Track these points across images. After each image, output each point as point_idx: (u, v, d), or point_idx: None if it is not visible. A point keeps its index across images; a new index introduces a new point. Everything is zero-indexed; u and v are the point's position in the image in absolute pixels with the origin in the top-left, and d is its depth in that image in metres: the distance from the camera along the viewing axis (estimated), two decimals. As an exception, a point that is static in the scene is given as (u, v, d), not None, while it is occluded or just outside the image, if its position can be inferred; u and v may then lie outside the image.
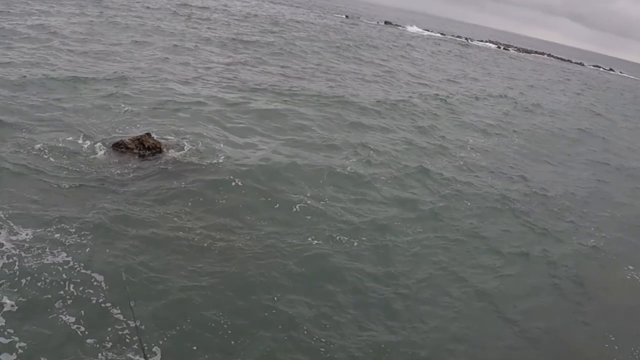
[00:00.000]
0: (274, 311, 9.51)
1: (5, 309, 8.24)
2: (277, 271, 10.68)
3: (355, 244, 12.35)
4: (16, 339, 7.75)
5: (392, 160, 18.41)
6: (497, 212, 16.08)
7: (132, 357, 7.88)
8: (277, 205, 13.35)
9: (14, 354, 7.52)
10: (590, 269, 13.96)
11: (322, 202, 13.98)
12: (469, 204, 16.13)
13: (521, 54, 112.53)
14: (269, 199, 13.57)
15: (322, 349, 8.96)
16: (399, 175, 17.19)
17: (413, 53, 57.57)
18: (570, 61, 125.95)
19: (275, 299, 9.87)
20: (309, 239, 12.11)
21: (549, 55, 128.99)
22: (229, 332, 8.84)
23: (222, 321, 9.03)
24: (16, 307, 8.31)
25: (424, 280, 11.65)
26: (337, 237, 12.40)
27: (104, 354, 7.85)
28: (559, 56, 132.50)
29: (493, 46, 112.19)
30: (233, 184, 13.83)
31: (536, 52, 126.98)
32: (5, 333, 7.82)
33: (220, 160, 15.22)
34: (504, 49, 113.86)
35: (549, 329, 11.01)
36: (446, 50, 73.35)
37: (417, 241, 13.17)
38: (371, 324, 9.89)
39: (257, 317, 9.32)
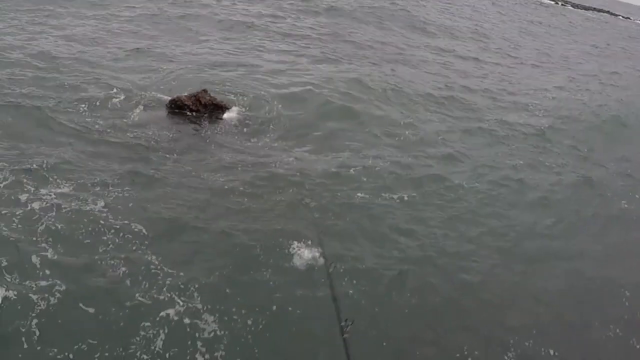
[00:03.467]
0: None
1: (44, 253, 7.94)
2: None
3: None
4: (57, 281, 7.47)
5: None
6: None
7: (173, 300, 7.58)
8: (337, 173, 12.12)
9: (54, 296, 7.25)
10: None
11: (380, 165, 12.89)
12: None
13: (580, 10, 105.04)
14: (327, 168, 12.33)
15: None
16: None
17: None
18: (628, 18, 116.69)
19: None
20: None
21: (609, 13, 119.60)
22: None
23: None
24: (55, 252, 8.01)
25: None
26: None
27: (142, 297, 7.55)
28: (616, 13, 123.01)
29: (550, 2, 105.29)
30: (289, 152, 12.74)
31: (594, 9, 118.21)
32: (46, 275, 7.56)
33: (277, 125, 14.11)
34: (562, 5, 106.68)
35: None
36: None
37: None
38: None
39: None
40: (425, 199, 11.69)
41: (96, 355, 6.60)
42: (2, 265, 7.58)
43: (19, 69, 14.73)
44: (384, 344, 7.66)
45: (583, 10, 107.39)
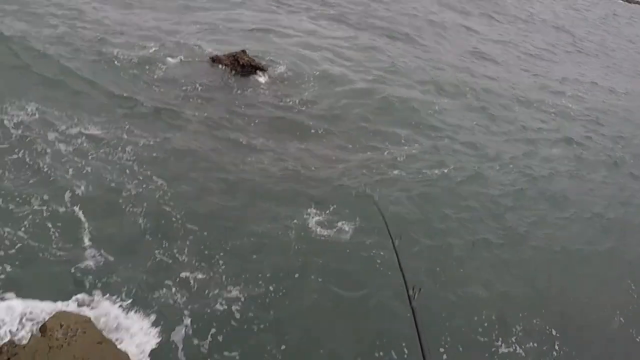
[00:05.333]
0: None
1: (72, 193, 8.15)
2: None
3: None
4: (83, 220, 7.72)
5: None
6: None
7: (193, 258, 7.61)
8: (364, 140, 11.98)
9: (80, 231, 7.53)
10: None
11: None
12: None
13: (621, 2, 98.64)
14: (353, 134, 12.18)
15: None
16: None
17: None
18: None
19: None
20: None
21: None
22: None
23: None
24: (81, 194, 8.19)
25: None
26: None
27: (161, 252, 7.61)
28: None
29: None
30: (319, 117, 12.58)
31: (638, 2, 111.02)
32: (73, 212, 7.82)
33: (309, 93, 13.76)
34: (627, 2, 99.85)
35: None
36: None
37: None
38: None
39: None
40: (457, 178, 11.44)
41: (123, 289, 6.84)
42: (40, 198, 7.86)
43: (53, 21, 14.38)
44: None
45: (626, 3, 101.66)
